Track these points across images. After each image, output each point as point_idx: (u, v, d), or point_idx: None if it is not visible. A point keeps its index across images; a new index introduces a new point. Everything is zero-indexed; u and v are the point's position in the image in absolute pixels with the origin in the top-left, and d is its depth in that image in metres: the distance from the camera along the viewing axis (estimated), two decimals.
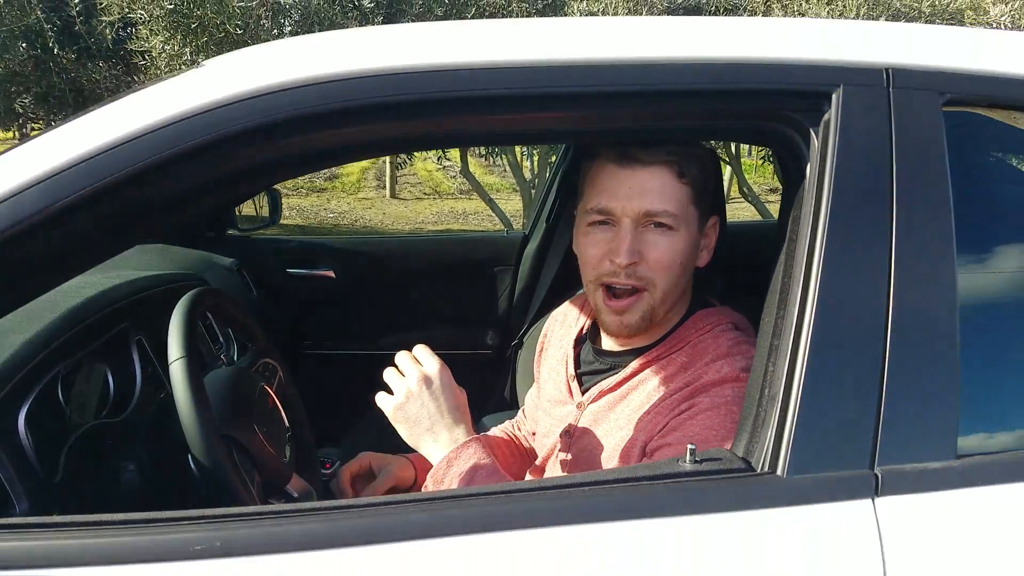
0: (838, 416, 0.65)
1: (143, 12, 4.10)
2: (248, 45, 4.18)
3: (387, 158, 8.73)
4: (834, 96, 0.72)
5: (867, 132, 0.70)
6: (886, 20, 4.93)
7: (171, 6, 3.98)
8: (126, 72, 4.71)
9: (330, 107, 0.69)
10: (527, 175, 6.97)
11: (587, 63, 0.72)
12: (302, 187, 10.14)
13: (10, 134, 10.06)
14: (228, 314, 1.06)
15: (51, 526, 0.65)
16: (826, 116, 0.72)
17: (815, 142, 0.73)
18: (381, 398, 0.93)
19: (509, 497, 0.70)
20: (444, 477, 0.85)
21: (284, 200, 2.11)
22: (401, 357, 0.92)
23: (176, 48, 4.09)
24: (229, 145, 0.72)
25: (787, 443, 0.63)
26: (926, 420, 0.65)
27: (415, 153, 7.69)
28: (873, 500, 0.62)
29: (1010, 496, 0.65)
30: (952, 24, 5.34)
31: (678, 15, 5.23)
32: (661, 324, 0.94)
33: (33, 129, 7.91)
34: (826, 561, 0.61)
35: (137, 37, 4.30)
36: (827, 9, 5.06)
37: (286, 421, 1.00)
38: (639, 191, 0.90)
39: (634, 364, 0.95)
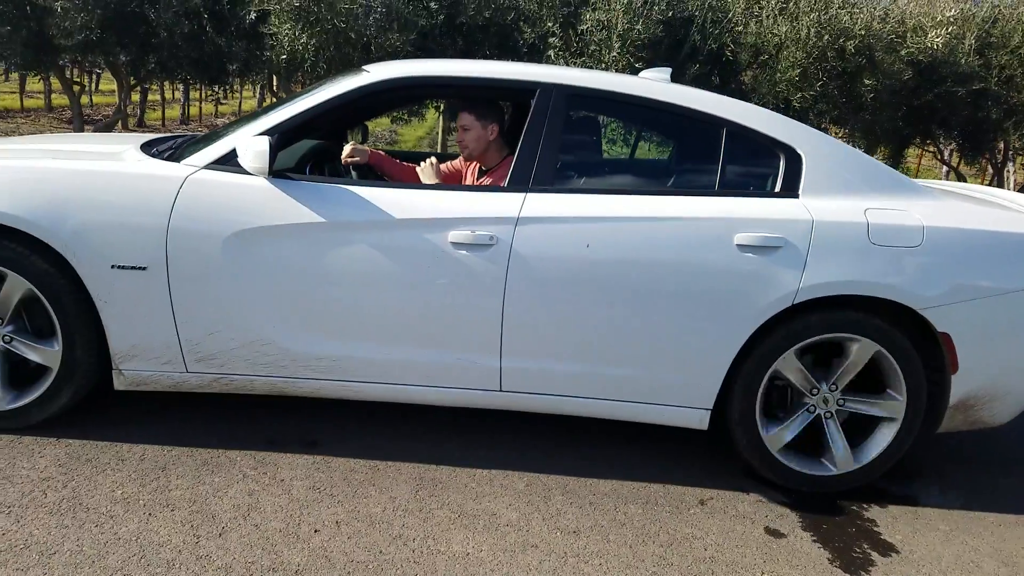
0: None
1: (277, 6, 6.37)
2: (349, 36, 6.39)
3: (440, 127, 11.01)
4: (538, 91, 2.85)
5: (543, 103, 2.83)
6: (829, 37, 6.77)
7: (297, 3, 6.23)
8: (258, 48, 6.96)
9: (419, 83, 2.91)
10: None
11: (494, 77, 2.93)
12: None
13: (170, 91, 12.64)
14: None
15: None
16: (534, 99, 2.84)
17: (532, 103, 2.85)
18: (418, 168, 3.26)
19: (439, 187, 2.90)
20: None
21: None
22: (426, 161, 3.22)
23: (296, 34, 6.33)
24: (375, 96, 2.88)
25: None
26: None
27: None
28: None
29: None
30: (895, 42, 7.13)
31: (673, 26, 7.17)
32: (490, 160, 3.18)
33: (191, 87, 10.58)
34: None
35: (269, 23, 6.57)
36: (787, 28, 6.93)
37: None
38: (461, 118, 3.25)
39: (487, 173, 3.16)
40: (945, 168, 9.99)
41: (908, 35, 7.23)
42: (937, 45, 7.12)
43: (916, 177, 12.11)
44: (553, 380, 2.84)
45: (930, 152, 9.75)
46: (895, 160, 8.17)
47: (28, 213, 2.59)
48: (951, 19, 7.18)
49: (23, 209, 2.60)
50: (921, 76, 7.21)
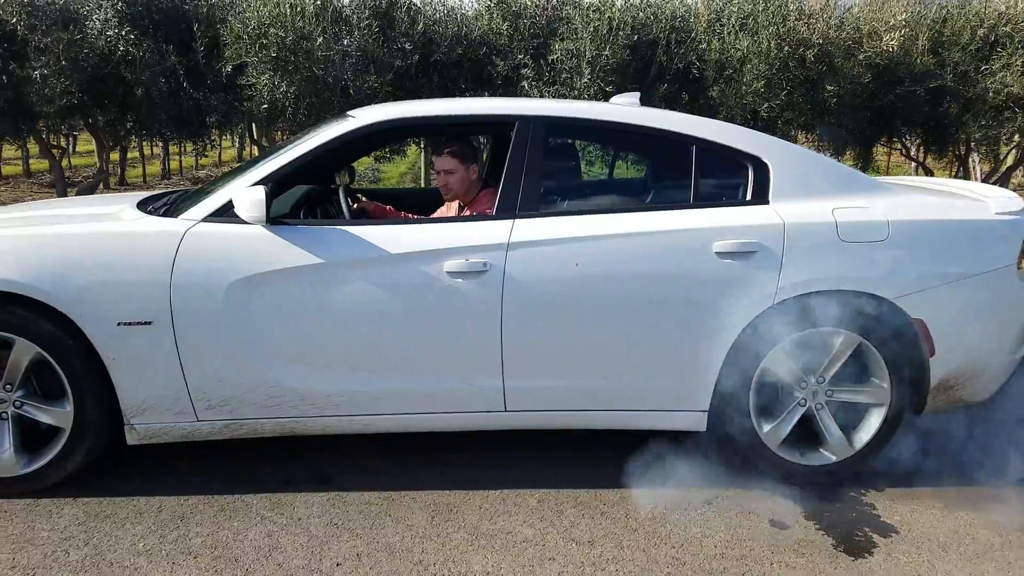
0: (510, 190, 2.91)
1: (254, 58, 6.47)
2: (327, 83, 6.49)
3: (422, 162, 11.14)
4: (516, 124, 2.95)
5: (523, 134, 2.94)
6: (789, 48, 6.96)
7: (274, 55, 6.34)
8: (236, 99, 7.05)
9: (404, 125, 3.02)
10: None
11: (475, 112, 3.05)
12: (357, 189, 12.97)
13: (149, 147, 12.68)
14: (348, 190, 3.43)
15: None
16: (514, 131, 2.95)
17: (512, 135, 2.96)
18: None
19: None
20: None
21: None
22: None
23: (276, 83, 6.44)
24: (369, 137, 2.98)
25: None
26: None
27: None
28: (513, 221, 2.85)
29: None
30: (853, 48, 7.34)
31: (639, 49, 7.35)
32: (470, 196, 3.27)
33: (170, 143, 10.78)
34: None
35: (247, 75, 6.66)
36: (749, 42, 7.13)
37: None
38: (441, 163, 3.32)
39: (467, 207, 3.26)
40: (914, 164, 10.22)
41: (864, 40, 7.44)
42: (892, 48, 7.34)
43: (887, 174, 12.36)
44: (555, 396, 2.91)
45: (897, 150, 9.98)
46: (864, 160, 8.36)
47: (32, 279, 2.65)
48: (903, 22, 7.41)
49: (27, 275, 2.65)
50: (880, 78, 7.42)
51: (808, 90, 7.20)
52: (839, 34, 7.17)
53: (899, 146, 9.28)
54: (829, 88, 7.01)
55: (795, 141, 8.31)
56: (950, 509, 2.92)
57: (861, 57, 7.29)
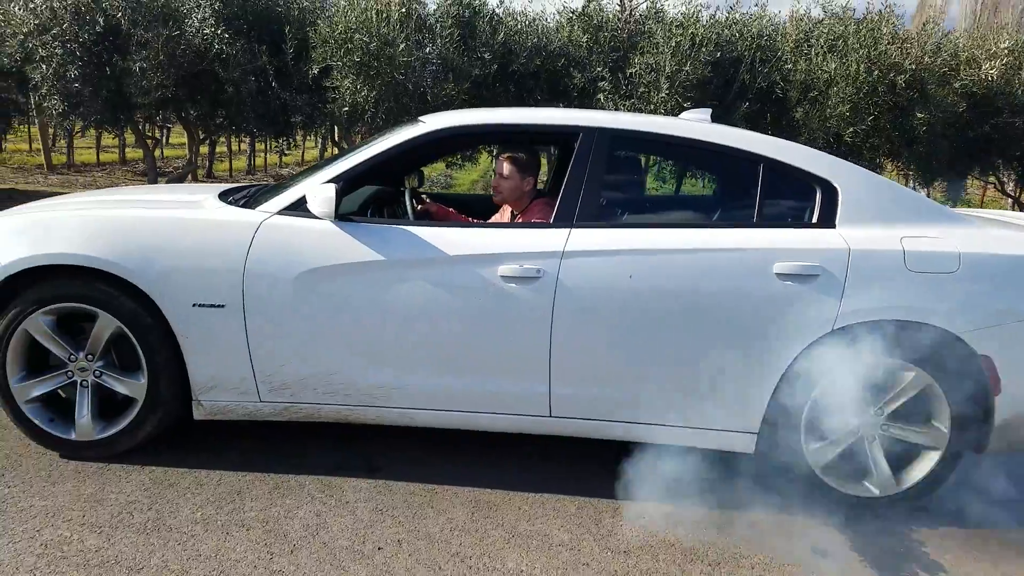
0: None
1: (339, 61, 6.81)
2: (407, 89, 6.76)
3: (493, 170, 11.63)
4: (580, 135, 3.08)
5: (586, 145, 3.06)
6: (879, 72, 6.88)
7: (358, 59, 6.65)
8: (320, 101, 7.40)
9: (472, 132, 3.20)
10: None
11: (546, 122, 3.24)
12: (423, 192, 13.29)
13: (237, 143, 13.51)
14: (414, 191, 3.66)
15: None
16: (577, 142, 3.08)
17: (575, 146, 3.09)
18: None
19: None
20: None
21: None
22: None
23: (358, 87, 6.75)
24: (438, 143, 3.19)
25: None
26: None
27: None
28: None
29: None
30: (948, 75, 7.19)
31: (722, 66, 7.38)
32: (522, 204, 3.46)
33: (256, 141, 11.43)
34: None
35: (331, 78, 7.01)
36: (836, 64, 7.07)
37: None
38: (500, 166, 3.52)
39: (519, 215, 3.43)
40: (1010, 200, 9.85)
41: (961, 68, 7.27)
42: (992, 76, 7.15)
43: (980, 209, 11.90)
44: (600, 406, 3.00)
45: (991, 184, 9.65)
46: (954, 192, 8.14)
47: (118, 257, 2.90)
48: (1006, 50, 7.22)
49: (114, 254, 2.90)
50: (976, 108, 7.23)
51: (897, 116, 7.09)
52: (934, 60, 7.03)
53: (993, 179, 8.99)
54: (920, 115, 6.88)
55: (881, 169, 8.16)
56: (1007, 555, 2.84)
57: (957, 85, 7.13)
